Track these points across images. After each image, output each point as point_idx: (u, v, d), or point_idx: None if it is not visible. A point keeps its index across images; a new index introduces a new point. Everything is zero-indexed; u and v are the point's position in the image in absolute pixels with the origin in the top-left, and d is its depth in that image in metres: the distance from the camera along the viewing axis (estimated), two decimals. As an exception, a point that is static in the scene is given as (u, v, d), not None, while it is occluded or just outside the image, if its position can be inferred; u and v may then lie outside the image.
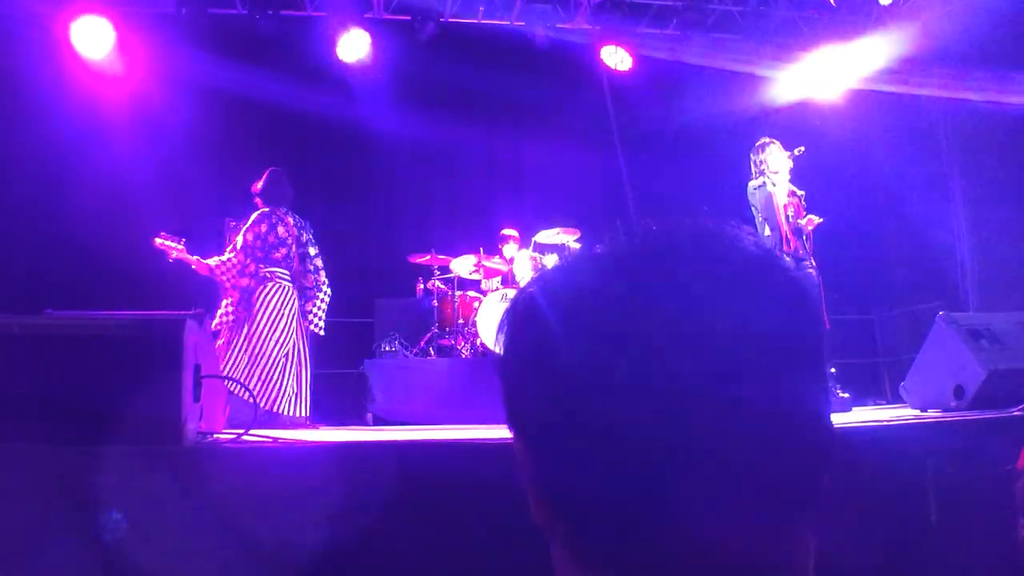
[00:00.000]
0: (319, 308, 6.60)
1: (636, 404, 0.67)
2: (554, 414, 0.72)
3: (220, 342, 6.02)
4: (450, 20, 8.73)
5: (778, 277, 0.74)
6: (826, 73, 9.00)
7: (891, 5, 8.72)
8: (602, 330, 0.70)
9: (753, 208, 6.43)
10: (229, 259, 6.15)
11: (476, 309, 7.72)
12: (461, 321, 7.85)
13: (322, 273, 6.63)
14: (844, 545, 3.10)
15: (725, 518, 0.68)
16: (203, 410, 3.65)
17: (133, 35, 7.93)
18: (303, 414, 6.12)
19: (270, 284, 6.18)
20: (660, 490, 0.67)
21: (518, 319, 0.79)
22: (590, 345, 0.70)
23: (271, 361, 6.03)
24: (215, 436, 3.82)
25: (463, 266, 8.22)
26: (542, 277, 0.79)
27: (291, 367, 6.12)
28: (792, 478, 0.70)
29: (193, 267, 6.08)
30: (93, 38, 7.67)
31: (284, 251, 6.26)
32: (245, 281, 6.15)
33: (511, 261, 8.38)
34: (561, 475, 0.72)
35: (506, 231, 8.59)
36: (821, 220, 6.27)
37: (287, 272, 6.28)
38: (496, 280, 8.35)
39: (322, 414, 7.54)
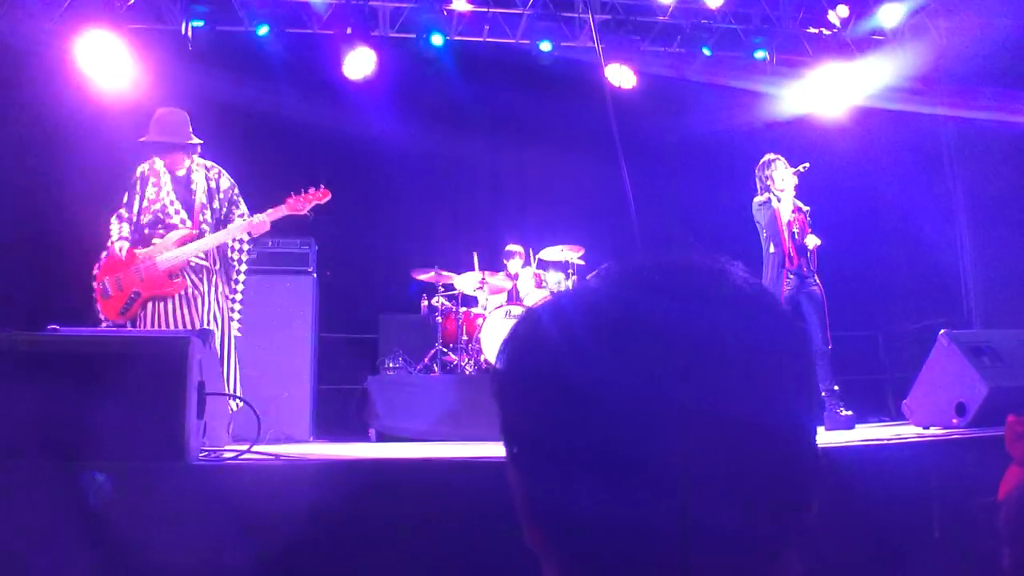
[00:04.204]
0: None
1: (632, 425, 0.69)
2: (552, 434, 0.74)
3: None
4: (455, 38, 8.77)
5: (766, 307, 0.77)
6: (830, 90, 9.03)
7: (895, 24, 8.74)
8: (601, 353, 0.72)
9: (758, 224, 6.44)
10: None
11: (480, 326, 7.73)
12: (465, 338, 7.86)
13: None
14: (844, 563, 3.10)
15: (718, 539, 0.69)
16: (207, 426, 3.67)
17: (141, 51, 7.99)
18: None
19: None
20: (654, 512, 0.69)
21: (519, 342, 0.81)
22: (590, 367, 0.72)
23: None
24: (219, 453, 3.84)
25: (467, 282, 8.23)
26: (545, 302, 0.82)
27: None
28: (782, 499, 0.72)
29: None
30: (101, 55, 7.73)
31: None
32: None
33: (515, 277, 8.40)
34: (556, 496, 0.74)
35: (510, 247, 8.61)
36: (820, 242, 6.28)
37: None
38: (500, 297, 8.36)
39: (325, 430, 7.56)
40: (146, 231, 5.39)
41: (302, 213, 5.53)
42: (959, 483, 3.33)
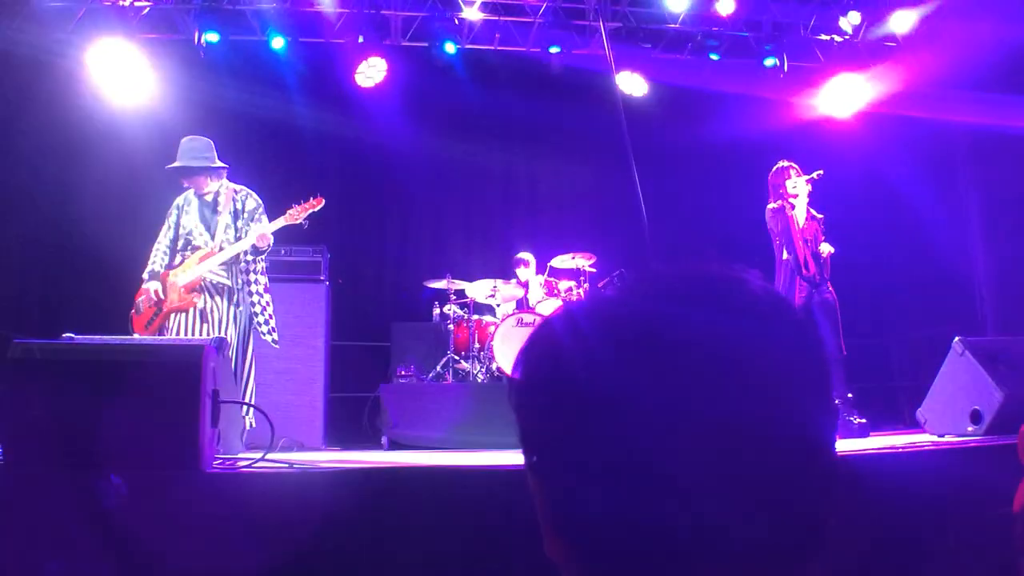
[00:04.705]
0: None
1: (651, 433, 0.70)
2: (572, 443, 0.74)
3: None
4: (467, 46, 8.80)
5: (783, 316, 0.77)
6: (842, 97, 9.01)
7: (907, 30, 8.72)
8: (620, 362, 0.72)
9: (771, 232, 6.42)
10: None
11: (492, 334, 7.72)
12: (477, 345, 7.86)
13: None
14: (859, 572, 3.09)
15: (739, 547, 0.70)
16: (221, 434, 3.68)
17: (154, 61, 8.04)
18: None
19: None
20: (675, 520, 0.69)
21: (537, 351, 0.81)
22: (608, 376, 0.72)
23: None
24: (232, 461, 3.85)
25: (479, 290, 8.23)
26: (562, 312, 0.82)
27: None
28: (802, 507, 0.73)
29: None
30: (115, 66, 7.79)
31: None
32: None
33: (526, 285, 8.40)
34: (577, 505, 0.74)
35: (521, 255, 8.61)
36: (833, 250, 6.25)
37: None
38: (511, 304, 8.36)
39: (338, 438, 7.57)
40: (178, 253, 5.70)
41: (298, 222, 5.76)
42: (974, 492, 3.30)
